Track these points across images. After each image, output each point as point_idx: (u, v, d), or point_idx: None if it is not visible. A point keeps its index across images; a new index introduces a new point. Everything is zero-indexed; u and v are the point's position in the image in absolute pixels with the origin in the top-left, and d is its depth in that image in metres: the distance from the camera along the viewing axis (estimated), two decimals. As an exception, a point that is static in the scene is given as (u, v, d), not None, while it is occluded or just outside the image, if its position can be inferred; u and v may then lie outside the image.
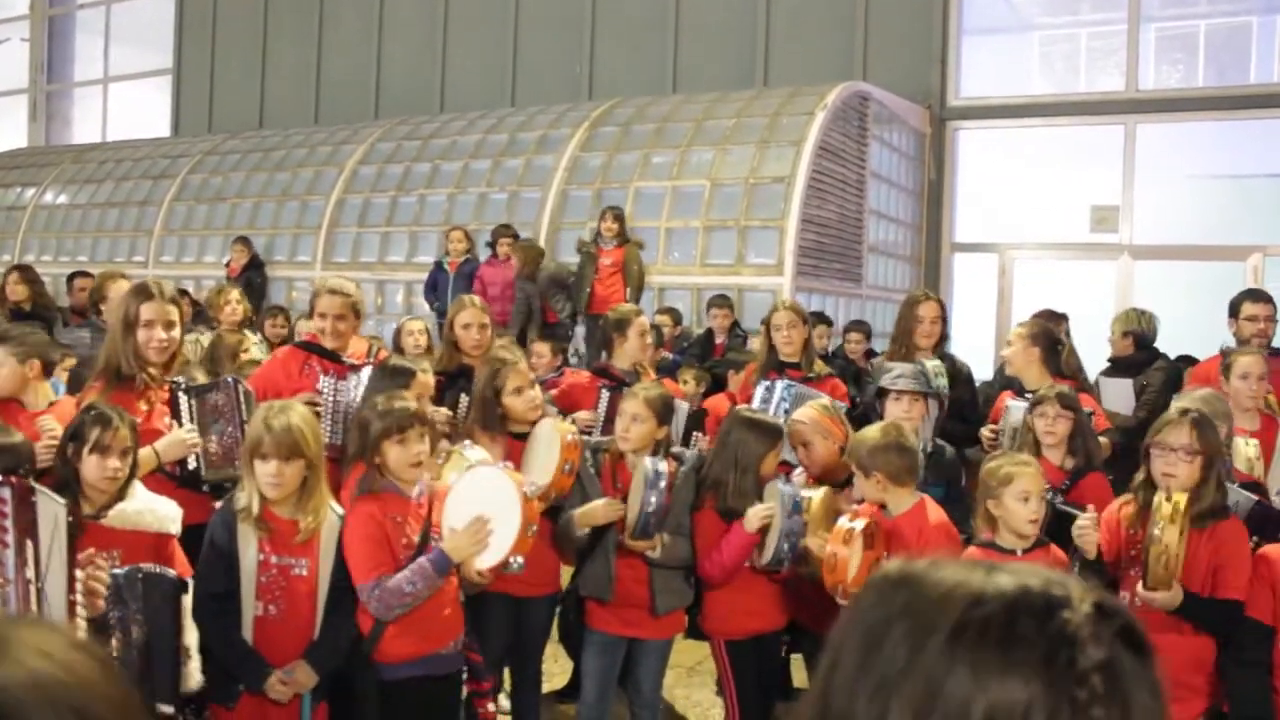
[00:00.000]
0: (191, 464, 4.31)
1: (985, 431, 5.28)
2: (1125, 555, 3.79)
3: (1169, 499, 3.59)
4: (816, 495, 4.29)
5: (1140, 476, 3.91)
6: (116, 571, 3.33)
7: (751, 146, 10.42)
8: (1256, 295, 6.12)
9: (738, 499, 4.23)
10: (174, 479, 4.26)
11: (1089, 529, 3.84)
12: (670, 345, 8.75)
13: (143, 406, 4.26)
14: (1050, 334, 5.69)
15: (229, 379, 4.51)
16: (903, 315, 6.03)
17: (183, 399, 4.35)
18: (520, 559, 3.75)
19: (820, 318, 9.03)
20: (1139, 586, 3.62)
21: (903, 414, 4.86)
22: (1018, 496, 3.84)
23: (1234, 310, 6.06)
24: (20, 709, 0.82)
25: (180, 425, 4.32)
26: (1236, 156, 12.60)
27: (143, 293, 4.37)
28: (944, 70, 12.31)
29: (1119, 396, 6.40)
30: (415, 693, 3.79)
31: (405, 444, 3.77)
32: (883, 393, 5.01)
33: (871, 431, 4.27)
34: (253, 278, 11.68)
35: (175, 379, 4.43)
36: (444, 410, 4.91)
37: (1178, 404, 4.31)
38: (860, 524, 3.84)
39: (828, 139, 10.24)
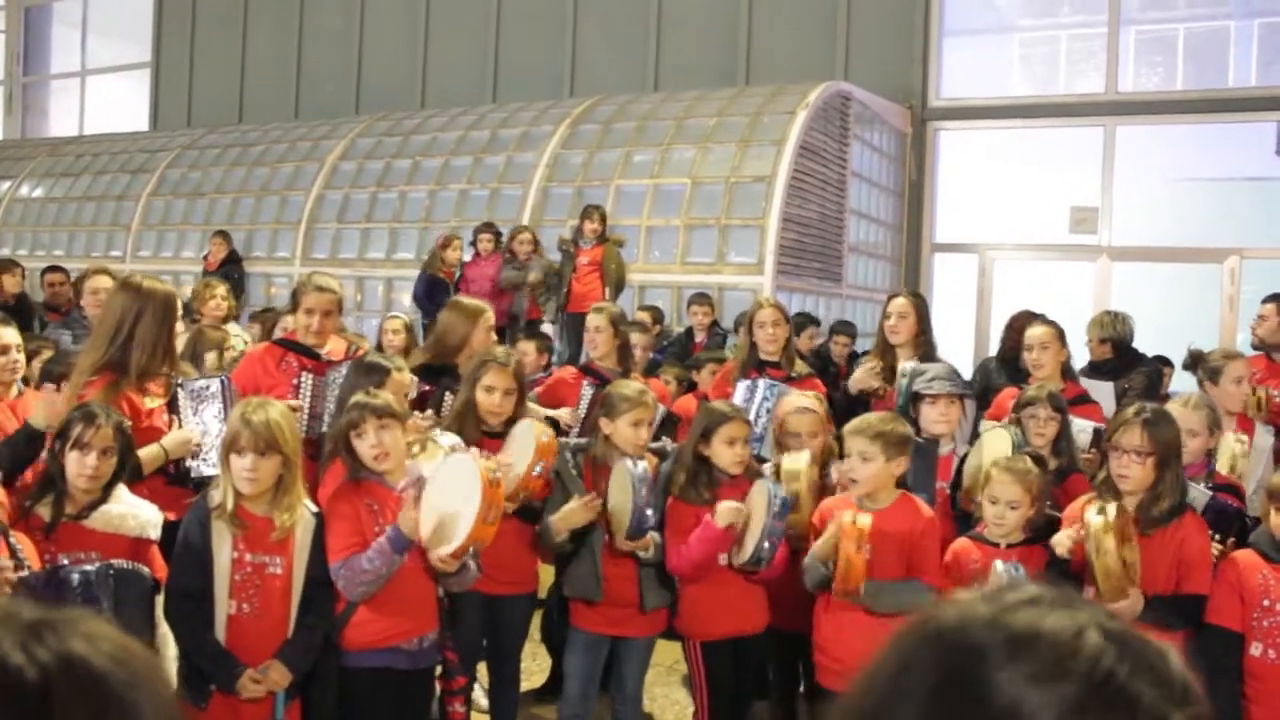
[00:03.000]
0: (189, 461, 4.31)
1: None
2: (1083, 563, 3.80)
3: (1100, 512, 3.61)
4: (803, 462, 4.28)
5: (1101, 476, 3.97)
6: (87, 568, 3.30)
7: (733, 145, 10.42)
8: (1272, 295, 6.22)
9: (676, 468, 4.30)
10: (168, 475, 4.26)
11: (1064, 542, 3.84)
12: (651, 344, 8.73)
13: (149, 403, 4.28)
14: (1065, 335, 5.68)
15: (224, 378, 4.49)
16: (881, 314, 6.05)
17: (182, 396, 4.36)
18: (474, 548, 3.71)
19: (809, 319, 9.06)
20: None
21: (939, 417, 4.81)
22: (988, 498, 3.98)
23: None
24: (56, 688, 0.83)
25: (180, 422, 4.34)
26: (1214, 159, 12.70)
27: (170, 298, 4.41)
28: (925, 71, 12.34)
29: (1100, 399, 6.40)
30: (375, 684, 3.76)
31: (361, 436, 3.79)
32: (917, 397, 4.93)
33: (884, 416, 4.26)
34: (231, 272, 11.59)
35: (173, 376, 4.44)
36: (423, 419, 4.86)
37: (1173, 404, 4.37)
38: (867, 521, 3.80)
39: (809, 138, 10.25)
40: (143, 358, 4.28)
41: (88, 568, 3.32)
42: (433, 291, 10.10)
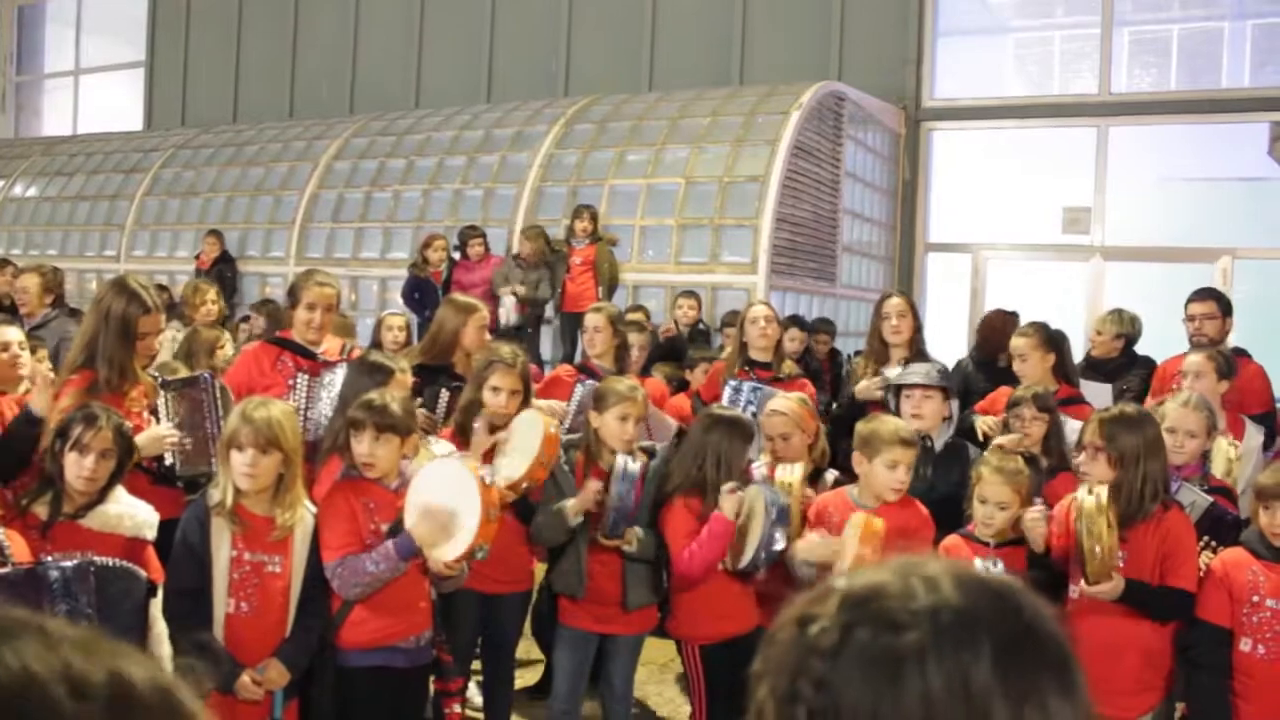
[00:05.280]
0: (169, 460, 4.31)
1: (989, 422, 5.17)
2: (1073, 551, 3.82)
3: (1090, 492, 3.65)
4: (796, 476, 4.29)
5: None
6: (65, 564, 3.27)
7: (727, 145, 10.43)
8: (1201, 293, 6.14)
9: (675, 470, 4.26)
10: (149, 474, 4.26)
11: (1039, 521, 3.87)
12: (648, 344, 8.71)
13: (126, 404, 4.28)
14: (1057, 337, 5.66)
15: (205, 375, 4.51)
16: (873, 315, 6.05)
17: (161, 394, 4.36)
18: (486, 546, 3.74)
19: (795, 321, 9.05)
20: (1082, 583, 3.65)
21: (912, 410, 4.84)
22: (977, 497, 4.01)
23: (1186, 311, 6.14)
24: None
25: (158, 421, 4.33)
26: (1207, 160, 12.73)
27: (139, 303, 4.36)
28: (919, 71, 12.36)
29: (1097, 400, 6.43)
30: (373, 682, 3.77)
31: (358, 438, 3.80)
32: (897, 392, 4.97)
33: (895, 420, 4.28)
34: (223, 271, 11.60)
35: (153, 374, 4.44)
36: (422, 412, 4.91)
37: (1171, 404, 4.38)
38: (881, 524, 3.83)
39: (803, 138, 10.26)
40: (108, 371, 4.27)
41: (65, 564, 3.27)
42: (420, 293, 10.08)
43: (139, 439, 4.20)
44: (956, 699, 0.90)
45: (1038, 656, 0.93)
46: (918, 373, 4.97)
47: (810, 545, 4.08)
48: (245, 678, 3.51)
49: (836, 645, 0.93)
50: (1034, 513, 3.89)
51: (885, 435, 4.13)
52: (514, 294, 9.38)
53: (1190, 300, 6.12)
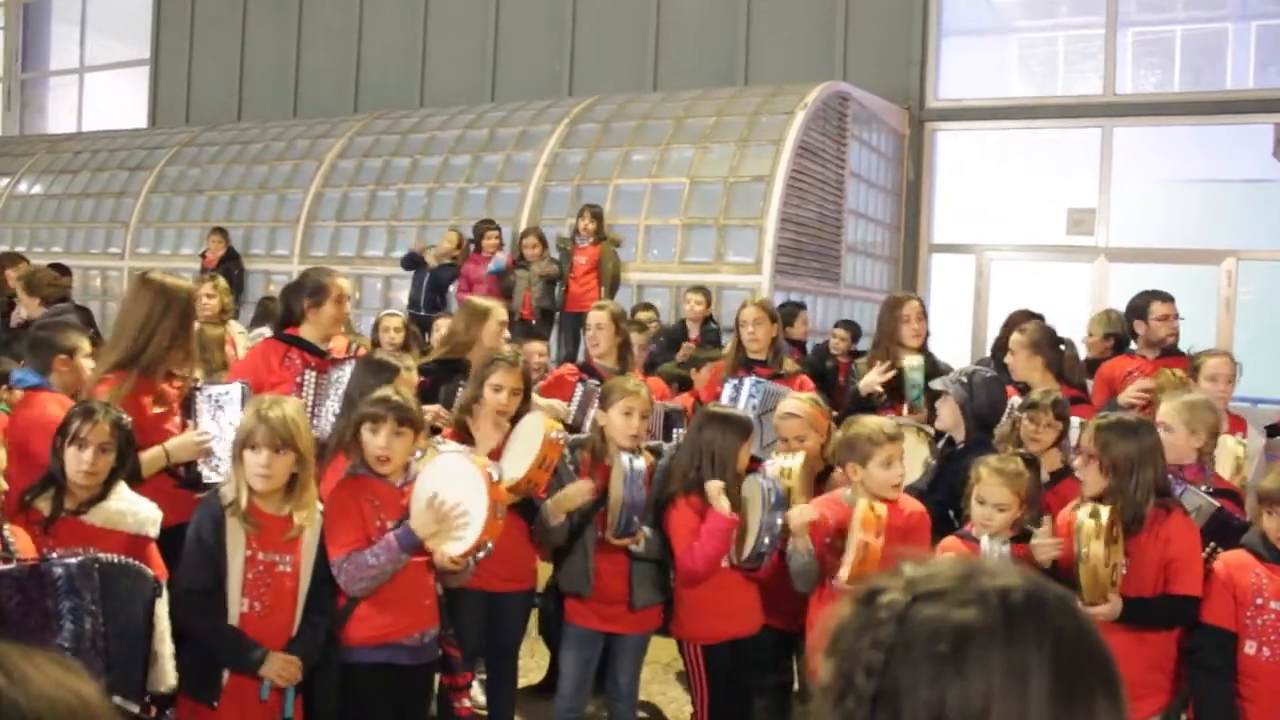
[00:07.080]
0: (199, 466, 4.28)
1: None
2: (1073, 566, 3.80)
3: (1092, 515, 3.63)
4: (797, 461, 4.28)
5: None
6: (69, 561, 3.27)
7: (731, 145, 10.44)
8: (1163, 295, 6.09)
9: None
10: (177, 478, 4.23)
11: (1049, 549, 3.84)
12: (648, 343, 8.72)
13: (156, 409, 4.26)
14: (1051, 337, 5.66)
15: (244, 385, 4.45)
16: (885, 316, 6.03)
17: (199, 399, 4.33)
18: (490, 544, 3.74)
19: (797, 306, 9.07)
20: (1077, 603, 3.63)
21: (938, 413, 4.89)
22: (976, 498, 3.98)
23: (1141, 312, 6.06)
24: None
25: (194, 426, 4.31)
26: (1211, 161, 12.73)
27: (184, 289, 4.39)
28: (923, 72, 12.37)
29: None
30: (378, 679, 3.77)
31: (375, 433, 3.78)
32: (934, 395, 5.02)
33: (873, 419, 4.29)
34: (230, 269, 11.61)
35: (191, 379, 4.43)
36: (435, 408, 4.93)
37: (1164, 401, 4.37)
38: (884, 510, 3.84)
39: (807, 139, 10.27)
40: (159, 351, 4.25)
41: (70, 560, 3.27)
42: (436, 282, 10.19)
43: (169, 444, 4.19)
44: (1014, 677, 0.93)
45: (1092, 656, 0.96)
46: (942, 380, 5.02)
47: (800, 510, 4.08)
48: (276, 658, 3.51)
49: (902, 614, 0.97)
50: (1046, 541, 3.86)
51: (873, 436, 4.08)
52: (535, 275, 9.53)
53: (1155, 300, 6.02)
